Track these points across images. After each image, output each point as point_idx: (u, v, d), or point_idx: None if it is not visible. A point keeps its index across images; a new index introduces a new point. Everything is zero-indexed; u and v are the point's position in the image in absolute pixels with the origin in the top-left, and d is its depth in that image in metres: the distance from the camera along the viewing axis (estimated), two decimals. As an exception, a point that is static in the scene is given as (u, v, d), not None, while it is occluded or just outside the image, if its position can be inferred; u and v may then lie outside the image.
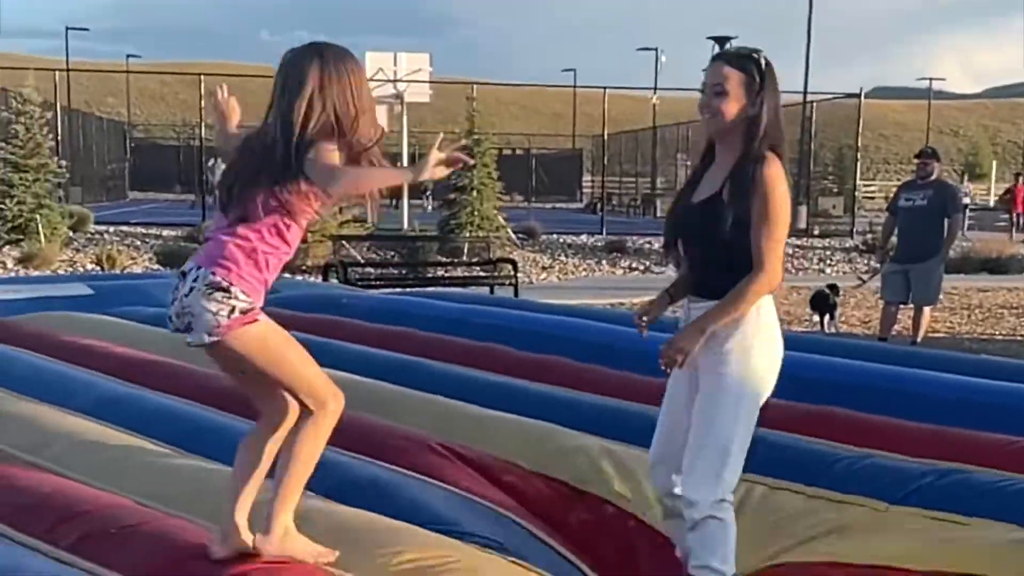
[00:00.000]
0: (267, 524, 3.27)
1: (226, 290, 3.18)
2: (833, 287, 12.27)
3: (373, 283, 13.91)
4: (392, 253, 20.18)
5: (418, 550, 3.35)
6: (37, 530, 3.57)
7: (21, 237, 20.18)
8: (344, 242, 16.91)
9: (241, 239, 3.23)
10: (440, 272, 16.73)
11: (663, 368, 3.76)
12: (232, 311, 3.17)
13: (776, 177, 3.64)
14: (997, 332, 12.74)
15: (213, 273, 3.18)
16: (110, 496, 3.85)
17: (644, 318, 4.05)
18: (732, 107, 3.70)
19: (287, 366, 3.27)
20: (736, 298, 3.63)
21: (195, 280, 3.19)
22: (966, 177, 43.63)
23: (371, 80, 25.15)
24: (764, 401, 3.75)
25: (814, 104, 33.61)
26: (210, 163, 36.16)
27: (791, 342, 6.76)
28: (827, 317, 11.92)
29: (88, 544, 3.43)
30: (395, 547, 3.38)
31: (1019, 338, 12.32)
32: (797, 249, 25.08)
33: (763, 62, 3.73)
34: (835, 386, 5.57)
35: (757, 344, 3.68)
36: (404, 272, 16.15)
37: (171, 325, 3.28)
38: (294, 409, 3.29)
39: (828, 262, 23.30)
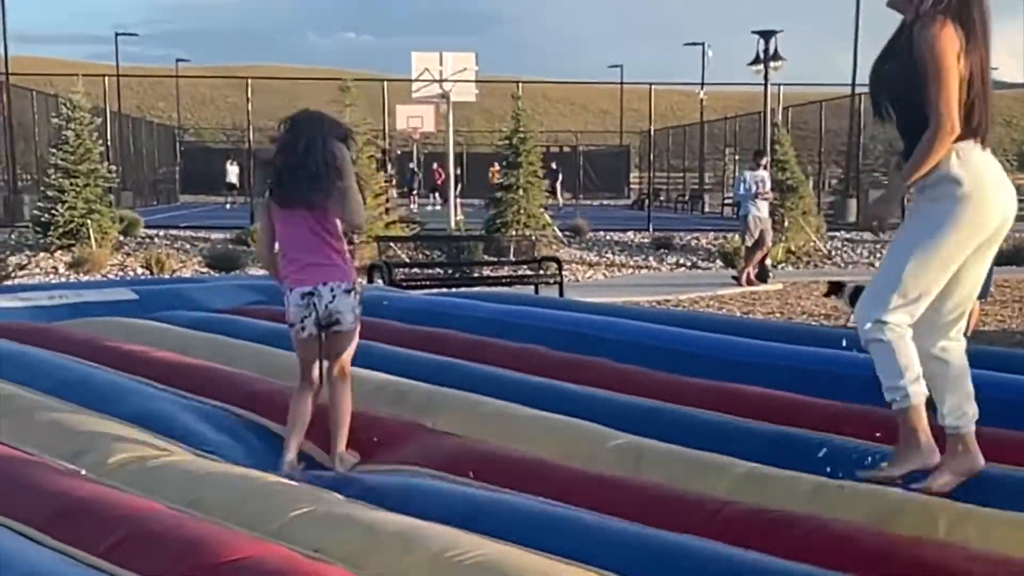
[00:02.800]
0: (338, 452, 4.85)
1: (355, 290, 4.88)
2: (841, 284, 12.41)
3: (418, 283, 13.91)
4: (438, 253, 20.20)
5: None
6: (71, 536, 3.59)
7: (72, 242, 20.38)
8: (390, 243, 16.95)
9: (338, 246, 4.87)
10: (485, 272, 16.72)
11: (879, 231, 3.94)
12: (359, 304, 4.92)
13: (933, 34, 3.78)
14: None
15: (345, 280, 4.84)
16: (144, 502, 3.87)
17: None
18: None
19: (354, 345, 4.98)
20: (918, 155, 3.83)
21: (333, 291, 4.78)
22: None
23: (417, 80, 25.28)
24: (958, 241, 3.87)
25: (862, 96, 33.23)
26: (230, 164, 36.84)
27: (822, 338, 6.78)
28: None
29: (122, 550, 3.45)
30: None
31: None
32: (846, 243, 24.83)
33: None
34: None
35: (941, 190, 3.85)
36: (449, 272, 16.13)
37: (313, 327, 4.84)
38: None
39: (877, 256, 23.05)
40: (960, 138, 3.84)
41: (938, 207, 3.83)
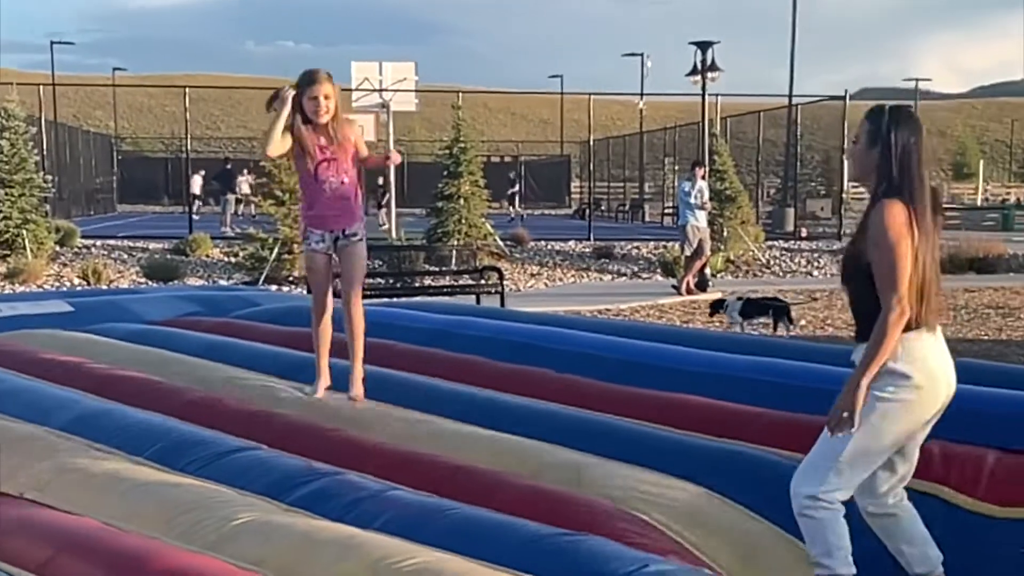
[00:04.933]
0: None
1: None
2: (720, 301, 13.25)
3: (359, 293, 13.84)
4: (379, 262, 20.14)
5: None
6: (5, 554, 3.55)
7: (7, 252, 20.12)
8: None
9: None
10: (426, 282, 16.71)
11: (836, 434, 3.89)
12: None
13: (885, 219, 3.84)
14: (983, 333, 12.74)
15: None
16: (79, 518, 3.83)
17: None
18: (860, 156, 4.05)
19: None
20: (874, 345, 3.84)
21: None
22: None
23: (357, 89, 25.19)
24: (900, 431, 3.91)
25: (799, 107, 33.66)
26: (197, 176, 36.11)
27: (763, 347, 6.84)
28: (783, 321, 12.34)
29: (56, 566, 3.42)
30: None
31: (1004, 339, 12.32)
32: (784, 252, 25.09)
33: (888, 115, 3.99)
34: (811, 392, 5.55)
35: (893, 375, 3.86)
36: (390, 282, 16.11)
37: None
38: None
39: (815, 264, 23.31)
40: (906, 328, 3.87)
41: (886, 400, 3.86)
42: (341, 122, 5.64)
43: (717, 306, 12.89)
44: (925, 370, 3.89)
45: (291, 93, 5.50)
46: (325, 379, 5.87)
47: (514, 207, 41.36)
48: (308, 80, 5.55)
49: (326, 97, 5.52)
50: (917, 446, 4.09)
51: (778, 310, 12.34)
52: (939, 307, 3.97)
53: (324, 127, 5.57)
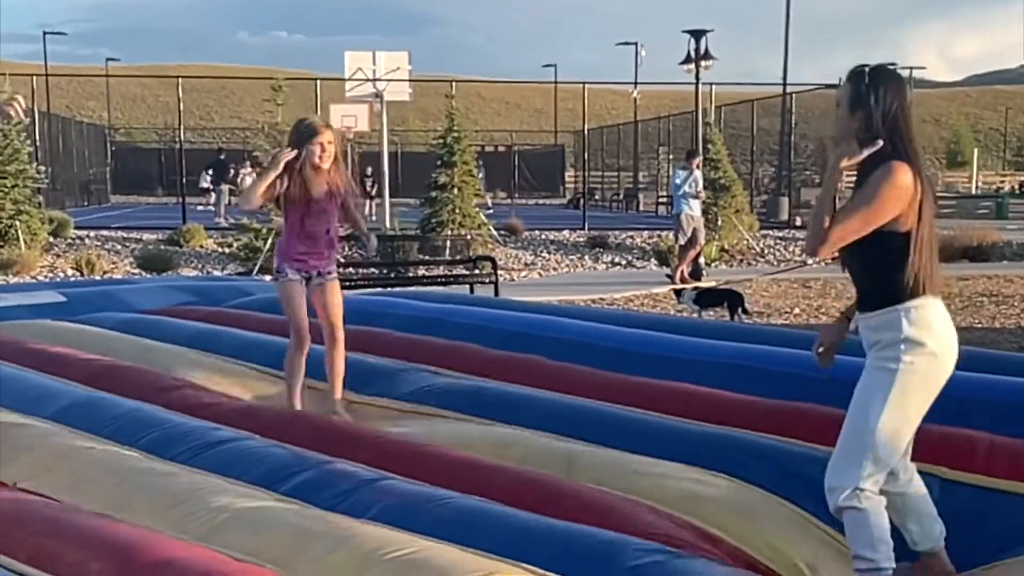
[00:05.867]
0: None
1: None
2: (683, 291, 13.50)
3: (353, 283, 13.83)
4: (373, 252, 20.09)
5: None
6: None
7: (1, 244, 20.07)
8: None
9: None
10: (420, 271, 16.68)
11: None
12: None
13: (891, 176, 3.72)
14: (977, 321, 12.74)
15: None
16: (69, 508, 3.82)
17: (821, 348, 4.18)
18: (842, 120, 3.90)
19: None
20: (811, 223, 3.85)
21: None
22: None
23: (350, 80, 25.11)
24: (921, 401, 3.81)
25: (793, 95, 33.63)
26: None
27: (755, 335, 6.86)
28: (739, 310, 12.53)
29: (46, 557, 3.40)
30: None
31: (998, 327, 12.33)
32: (779, 241, 25.08)
33: (868, 76, 3.84)
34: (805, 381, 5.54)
35: (907, 343, 3.74)
36: (384, 272, 16.07)
37: None
38: None
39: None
40: (915, 295, 3.78)
41: (905, 372, 3.74)
42: (336, 169, 5.73)
43: (678, 294, 13.33)
44: (938, 337, 3.79)
45: (288, 156, 5.56)
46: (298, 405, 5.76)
47: (483, 195, 40.74)
48: (312, 131, 5.65)
49: (329, 143, 5.64)
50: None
51: (732, 300, 12.57)
52: (941, 279, 3.89)
53: (321, 174, 5.65)
